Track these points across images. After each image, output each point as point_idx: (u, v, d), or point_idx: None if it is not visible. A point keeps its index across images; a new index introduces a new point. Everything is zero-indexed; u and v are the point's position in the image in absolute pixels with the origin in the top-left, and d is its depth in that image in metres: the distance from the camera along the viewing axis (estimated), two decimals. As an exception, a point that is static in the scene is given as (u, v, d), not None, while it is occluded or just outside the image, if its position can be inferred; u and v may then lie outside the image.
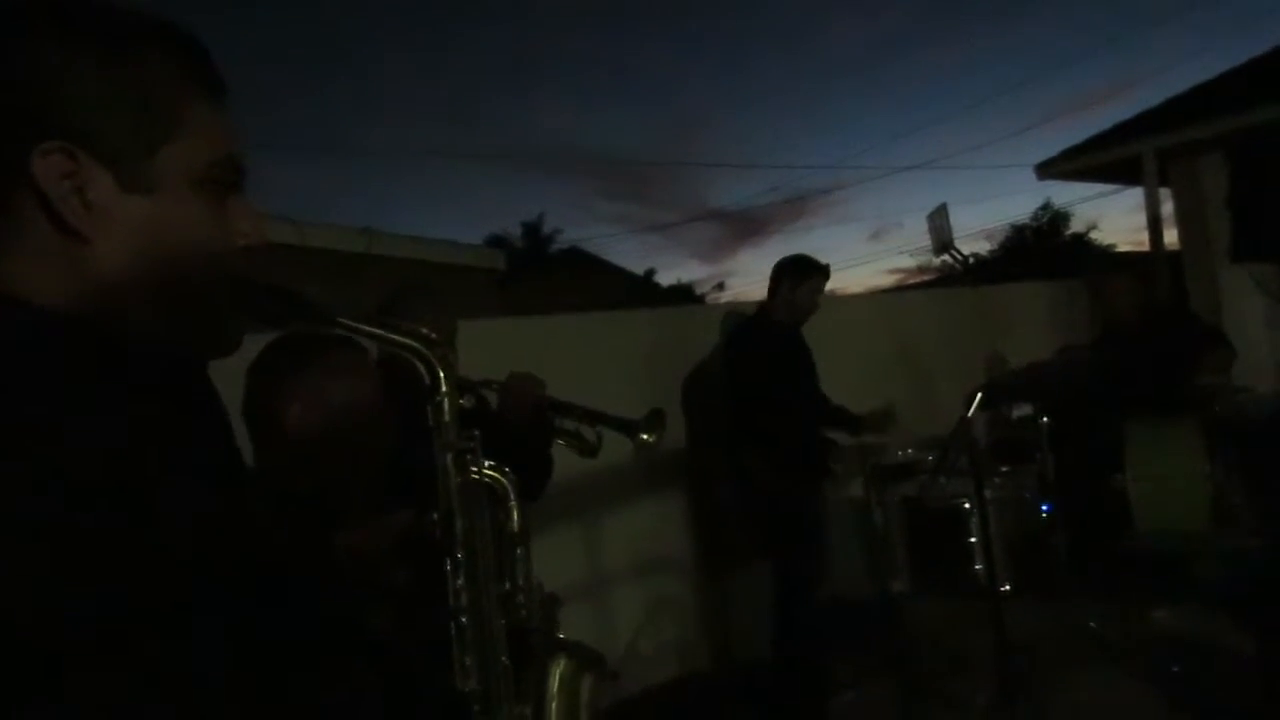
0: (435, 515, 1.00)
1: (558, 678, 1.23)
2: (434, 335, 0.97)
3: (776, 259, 3.92)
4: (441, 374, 0.96)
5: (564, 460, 2.56)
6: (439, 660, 0.99)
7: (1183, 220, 7.55)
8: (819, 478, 3.91)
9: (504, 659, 1.01)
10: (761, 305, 3.95)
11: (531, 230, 27.90)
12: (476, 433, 1.01)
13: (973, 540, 3.26)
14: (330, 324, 0.93)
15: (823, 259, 3.93)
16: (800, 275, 3.80)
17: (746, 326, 3.95)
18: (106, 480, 0.64)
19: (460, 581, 0.99)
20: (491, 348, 2.75)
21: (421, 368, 0.96)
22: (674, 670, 4.19)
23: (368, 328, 0.95)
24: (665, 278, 31.66)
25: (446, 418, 0.98)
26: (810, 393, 3.92)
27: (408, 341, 0.95)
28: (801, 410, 3.82)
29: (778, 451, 3.65)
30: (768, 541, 3.77)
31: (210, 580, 0.67)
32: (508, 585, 1.32)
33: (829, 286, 3.96)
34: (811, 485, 3.83)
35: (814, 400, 3.94)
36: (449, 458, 0.99)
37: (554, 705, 1.22)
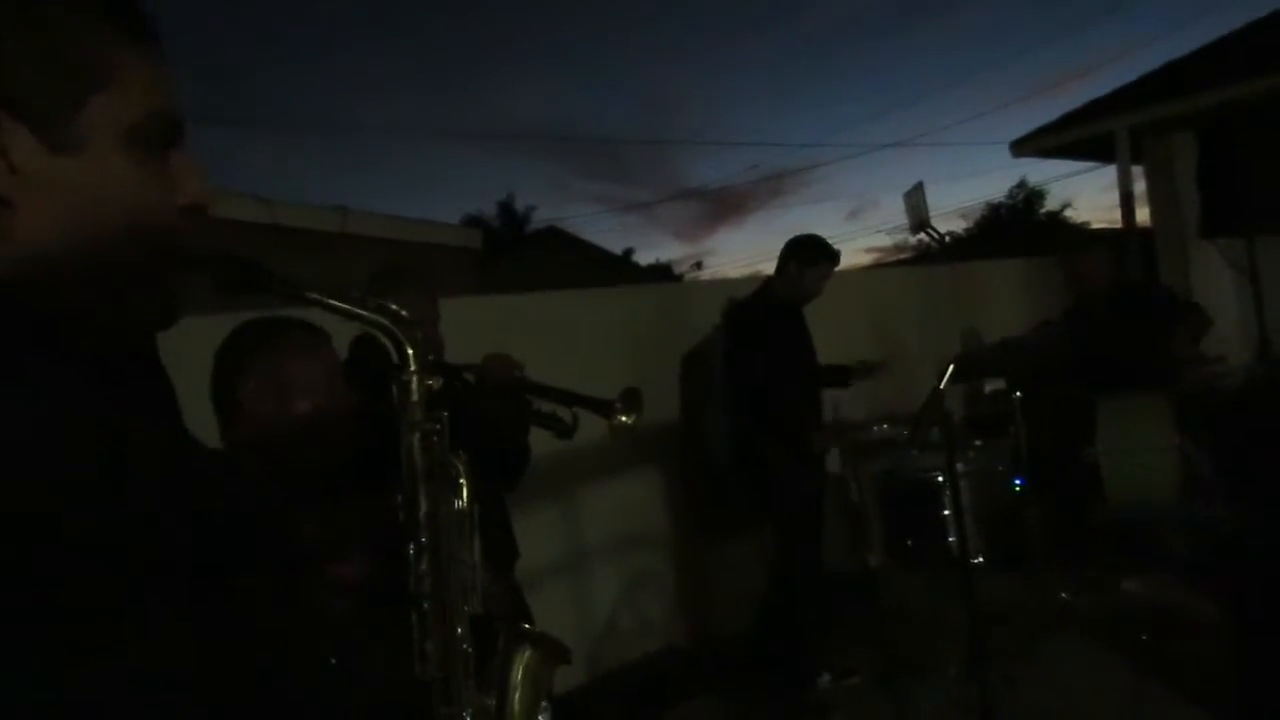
0: (400, 497, 0.97)
1: (522, 668, 1.22)
2: (404, 313, 0.94)
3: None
4: (410, 352, 0.94)
5: (542, 436, 2.56)
6: (398, 647, 0.97)
7: (1154, 197, 7.61)
8: (821, 456, 3.93)
9: (466, 646, 0.98)
10: (766, 280, 3.95)
11: (507, 210, 27.76)
12: (445, 414, 0.98)
13: (946, 513, 3.30)
14: (297, 298, 0.89)
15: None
16: (810, 258, 3.81)
17: (750, 302, 3.92)
18: (29, 456, 0.60)
19: (423, 566, 0.96)
20: (468, 326, 2.74)
21: (390, 345, 0.94)
22: (653, 645, 4.23)
23: (335, 302, 0.91)
24: (644, 257, 31.66)
25: (414, 397, 0.95)
26: (812, 369, 3.93)
27: (376, 318, 0.93)
28: (806, 386, 3.83)
29: (784, 429, 3.65)
30: (771, 520, 3.77)
31: (143, 563, 0.63)
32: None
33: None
34: (816, 463, 3.84)
35: (815, 377, 3.94)
36: (415, 438, 0.96)
37: (517, 695, 1.21)
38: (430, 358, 1.00)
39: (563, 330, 4.02)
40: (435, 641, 0.96)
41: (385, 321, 0.93)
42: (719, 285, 4.65)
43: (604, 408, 2.43)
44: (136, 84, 0.71)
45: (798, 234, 3.91)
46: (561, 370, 2.61)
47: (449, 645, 0.96)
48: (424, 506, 0.96)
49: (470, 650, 0.99)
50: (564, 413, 2.44)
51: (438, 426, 0.97)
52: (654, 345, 4.41)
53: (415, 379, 0.95)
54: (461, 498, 1.19)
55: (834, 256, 3.87)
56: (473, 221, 23.51)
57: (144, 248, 0.72)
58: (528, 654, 1.24)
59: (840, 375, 4.08)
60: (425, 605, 0.96)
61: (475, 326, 2.50)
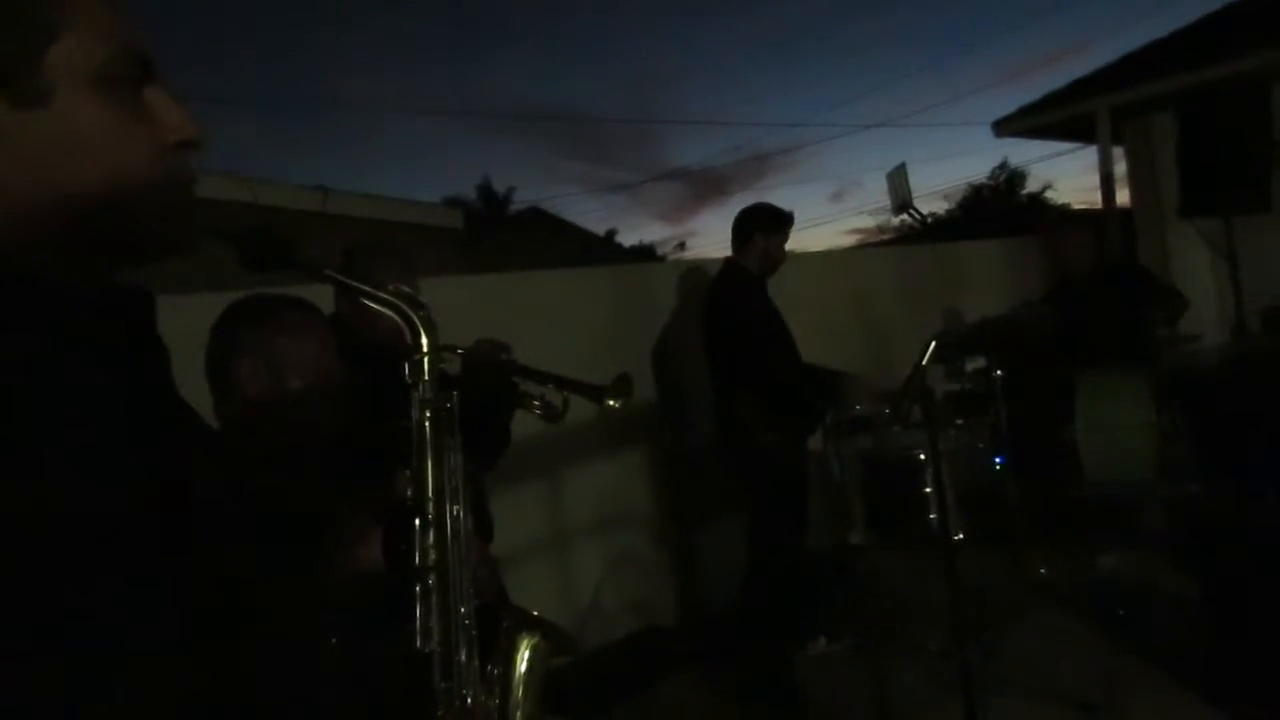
0: (406, 472, 1.00)
1: (527, 655, 1.23)
2: (420, 297, 0.99)
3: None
4: (424, 333, 0.98)
5: (525, 417, 2.55)
6: (399, 624, 0.98)
7: (1134, 177, 7.66)
8: (807, 431, 3.92)
9: (469, 623, 1.00)
10: (730, 259, 3.86)
11: (487, 191, 27.52)
12: (455, 393, 1.02)
13: (927, 491, 3.33)
14: (317, 276, 0.94)
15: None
16: (772, 225, 3.76)
17: (724, 281, 3.85)
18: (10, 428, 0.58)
19: (429, 540, 0.99)
20: (450, 306, 2.72)
21: (404, 326, 0.98)
22: (636, 624, 4.25)
23: (354, 283, 0.97)
24: (627, 238, 31.55)
25: (426, 376, 0.99)
26: (792, 344, 3.89)
27: (393, 300, 0.97)
28: (789, 361, 3.82)
29: (773, 404, 3.62)
30: (754, 494, 3.76)
31: (113, 533, 0.61)
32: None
33: (790, 245, 3.95)
34: (801, 438, 3.83)
35: (796, 352, 3.90)
36: (425, 415, 0.99)
37: (521, 680, 1.21)
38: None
39: (546, 310, 4.01)
40: (438, 616, 0.98)
41: (401, 303, 0.98)
42: (703, 265, 4.65)
43: (595, 393, 2.42)
44: (95, 26, 0.68)
45: (746, 207, 3.84)
46: (543, 349, 2.60)
47: (451, 620, 0.98)
48: (430, 482, 1.00)
49: (474, 630, 1.01)
50: (554, 396, 2.43)
51: (448, 405, 1.01)
52: (638, 325, 4.41)
53: (428, 359, 0.99)
54: (461, 475, 1.19)
55: (791, 219, 3.84)
56: (454, 202, 23.32)
57: (136, 186, 0.70)
58: (534, 642, 1.25)
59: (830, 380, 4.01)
60: (430, 580, 0.98)
61: (457, 306, 2.48)
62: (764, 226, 3.76)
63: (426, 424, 1.00)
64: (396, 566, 0.99)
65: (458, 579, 0.99)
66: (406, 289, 1.00)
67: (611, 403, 2.43)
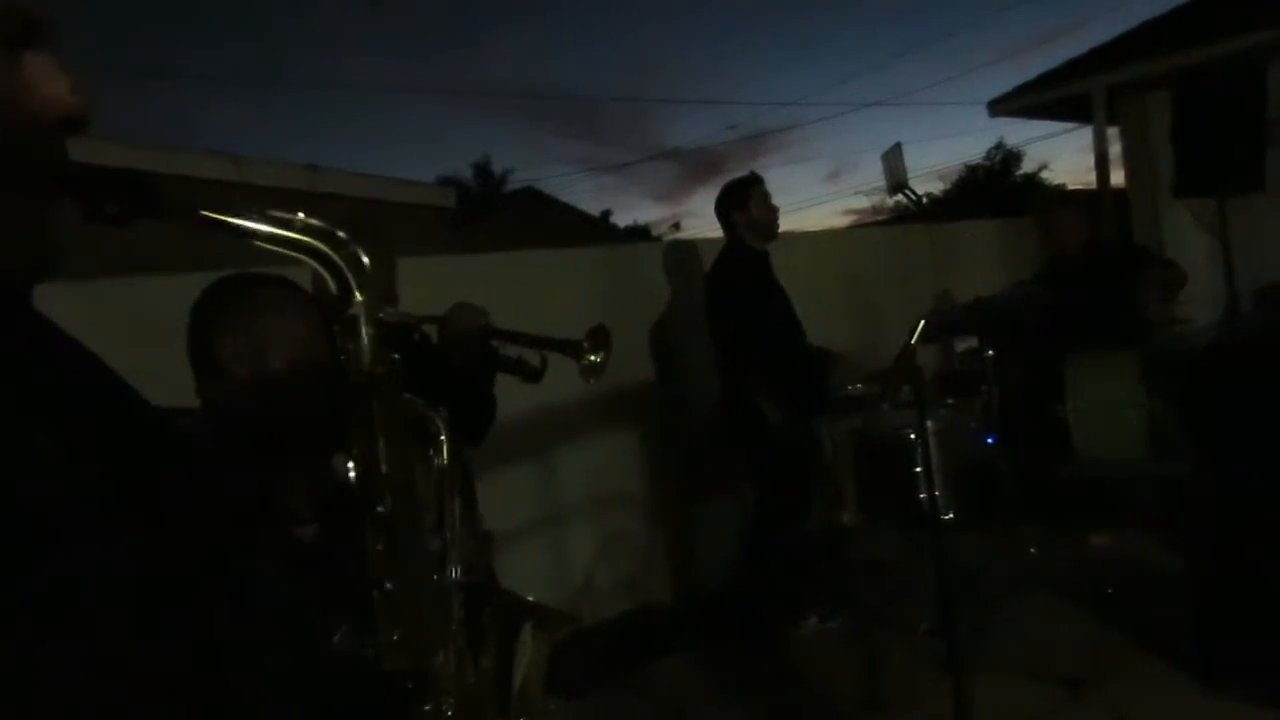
0: (350, 459, 0.78)
1: (528, 650, 1.17)
2: (341, 232, 0.72)
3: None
4: (352, 279, 0.72)
5: (516, 395, 2.54)
6: (365, 630, 0.82)
7: (1129, 157, 7.64)
8: (812, 409, 3.94)
9: (442, 624, 0.87)
10: (730, 238, 3.90)
11: (482, 171, 27.39)
12: (396, 356, 0.79)
13: (917, 470, 3.33)
14: (188, 218, 0.69)
15: (779, 197, 3.97)
16: (743, 194, 3.82)
17: (726, 259, 3.87)
18: None
19: (381, 542, 0.79)
20: (442, 285, 2.71)
21: (324, 272, 0.71)
22: (629, 604, 4.27)
23: (240, 222, 0.69)
24: (622, 219, 31.37)
25: (362, 337, 0.74)
26: (796, 321, 3.90)
27: (301, 239, 0.70)
28: (797, 339, 3.83)
29: (782, 382, 3.63)
30: (758, 473, 3.77)
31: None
32: (438, 543, 1.15)
33: (786, 225, 4.00)
34: (809, 416, 3.85)
35: (801, 329, 3.91)
36: (365, 385, 0.76)
37: (521, 675, 1.16)
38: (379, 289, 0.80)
39: (539, 291, 3.99)
40: (402, 627, 0.79)
41: (314, 242, 0.71)
42: (699, 244, 4.64)
43: (572, 348, 2.39)
44: None
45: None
46: (538, 330, 2.59)
47: (418, 631, 0.81)
48: (384, 468, 0.78)
49: (454, 627, 0.89)
50: (531, 356, 2.41)
51: (389, 369, 0.77)
52: (632, 306, 4.39)
53: (363, 312, 0.73)
54: (441, 455, 1.12)
55: (758, 178, 3.91)
56: (448, 182, 23.19)
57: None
58: (532, 640, 1.19)
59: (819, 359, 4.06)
60: (388, 586, 0.79)
61: (448, 285, 2.46)
62: (735, 201, 3.82)
63: (369, 395, 0.77)
64: (353, 569, 0.82)
65: (424, 583, 0.82)
66: (319, 222, 0.72)
67: (591, 358, 2.40)
